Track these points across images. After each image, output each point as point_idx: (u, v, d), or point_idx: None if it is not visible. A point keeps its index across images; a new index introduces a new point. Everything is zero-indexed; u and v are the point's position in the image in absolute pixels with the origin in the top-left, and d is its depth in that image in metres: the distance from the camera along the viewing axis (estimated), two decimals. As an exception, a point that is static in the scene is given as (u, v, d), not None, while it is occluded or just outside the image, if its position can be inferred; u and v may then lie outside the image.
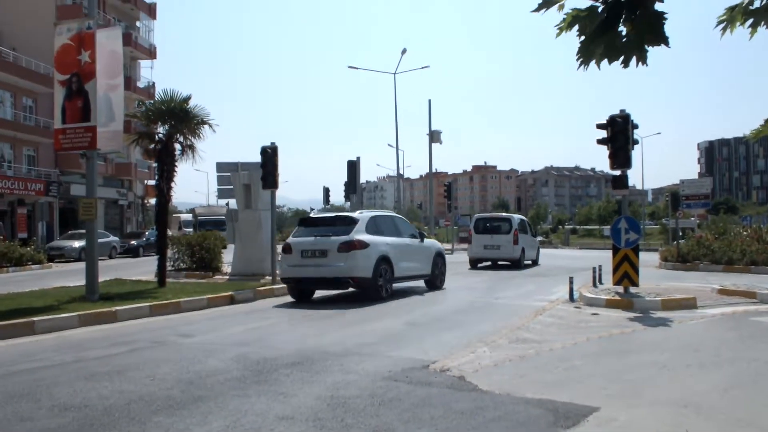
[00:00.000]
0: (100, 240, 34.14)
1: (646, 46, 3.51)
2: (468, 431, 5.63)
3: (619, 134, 14.51)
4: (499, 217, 29.32)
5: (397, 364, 8.29)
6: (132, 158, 53.41)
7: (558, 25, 3.53)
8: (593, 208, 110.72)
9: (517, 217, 28.92)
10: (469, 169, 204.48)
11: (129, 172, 55.69)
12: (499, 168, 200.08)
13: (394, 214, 19.36)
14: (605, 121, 14.79)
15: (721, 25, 4.27)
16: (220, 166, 24.83)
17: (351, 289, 16.02)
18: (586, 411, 6.17)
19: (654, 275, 21.86)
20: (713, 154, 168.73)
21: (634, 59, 3.56)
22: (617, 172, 15.03)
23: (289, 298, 16.35)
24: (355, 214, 16.72)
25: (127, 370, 8.11)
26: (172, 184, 18.46)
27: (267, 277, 19.47)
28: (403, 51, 48.67)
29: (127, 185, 56.94)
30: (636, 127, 14.75)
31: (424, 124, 49.21)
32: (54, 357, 9.10)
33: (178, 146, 18.37)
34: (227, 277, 21.65)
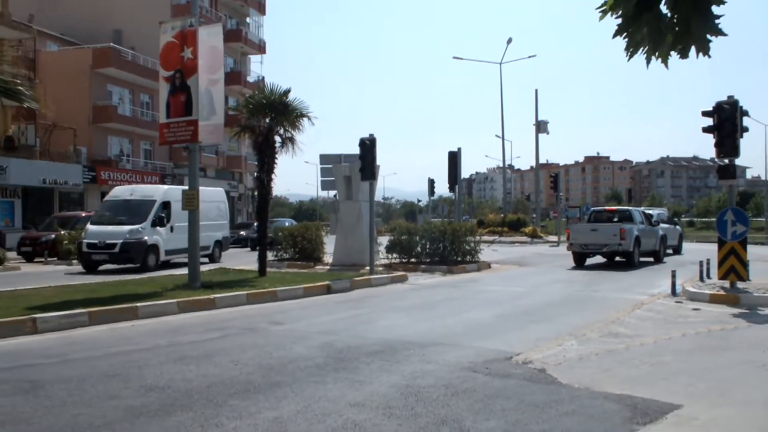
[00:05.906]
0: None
1: (707, 36, 3.04)
2: (537, 424, 5.51)
3: (726, 122, 13.79)
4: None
5: (480, 355, 8.23)
6: (242, 151, 55.10)
7: (600, 8, 3.11)
8: (712, 200, 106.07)
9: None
10: (581, 160, 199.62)
11: (240, 165, 57.42)
12: (612, 159, 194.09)
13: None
14: (711, 108, 14.10)
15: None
16: (324, 158, 25.30)
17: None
18: (667, 408, 5.93)
19: (772, 270, 20.67)
20: None
21: (693, 50, 3.08)
22: (725, 161, 14.36)
23: (382, 290, 16.50)
24: None
25: (214, 354, 8.39)
26: (273, 176, 18.87)
27: (366, 268, 19.66)
28: (509, 40, 48.06)
29: (238, 177, 58.66)
30: (745, 114, 13.98)
31: (532, 114, 48.12)
32: (150, 341, 9.51)
33: (278, 139, 18.76)
34: (328, 267, 22.03)
